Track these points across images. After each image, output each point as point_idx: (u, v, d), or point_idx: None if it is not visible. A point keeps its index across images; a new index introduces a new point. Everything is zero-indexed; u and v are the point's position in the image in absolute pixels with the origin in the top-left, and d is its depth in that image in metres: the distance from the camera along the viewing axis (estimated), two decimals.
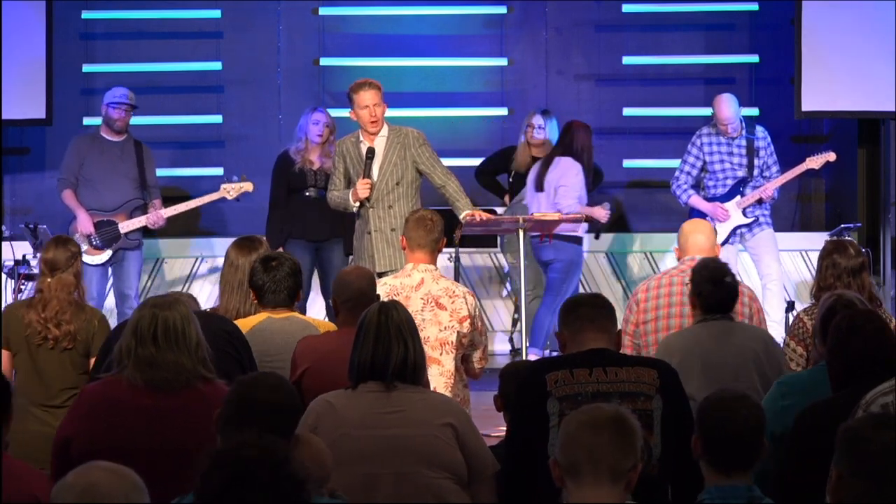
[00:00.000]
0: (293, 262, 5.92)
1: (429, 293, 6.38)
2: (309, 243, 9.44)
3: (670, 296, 6.31)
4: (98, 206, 9.36)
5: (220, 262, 6.34)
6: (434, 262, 6.54)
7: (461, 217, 7.86)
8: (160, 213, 9.40)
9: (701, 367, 5.50)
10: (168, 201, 9.65)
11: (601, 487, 3.22)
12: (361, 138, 7.88)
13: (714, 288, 5.63)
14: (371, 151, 7.80)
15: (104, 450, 4.14)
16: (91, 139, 9.53)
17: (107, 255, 9.35)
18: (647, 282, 6.49)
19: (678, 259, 6.54)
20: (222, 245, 10.24)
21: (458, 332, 6.34)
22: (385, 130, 7.85)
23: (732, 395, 3.86)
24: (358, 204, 7.77)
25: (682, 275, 6.32)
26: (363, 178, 7.74)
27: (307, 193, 9.36)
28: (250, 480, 2.96)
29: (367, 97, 7.82)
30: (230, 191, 9.59)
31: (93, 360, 6.07)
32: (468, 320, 6.37)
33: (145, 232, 9.57)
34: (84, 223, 9.28)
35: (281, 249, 9.23)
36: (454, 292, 6.41)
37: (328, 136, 9.42)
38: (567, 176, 9.39)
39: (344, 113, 11.00)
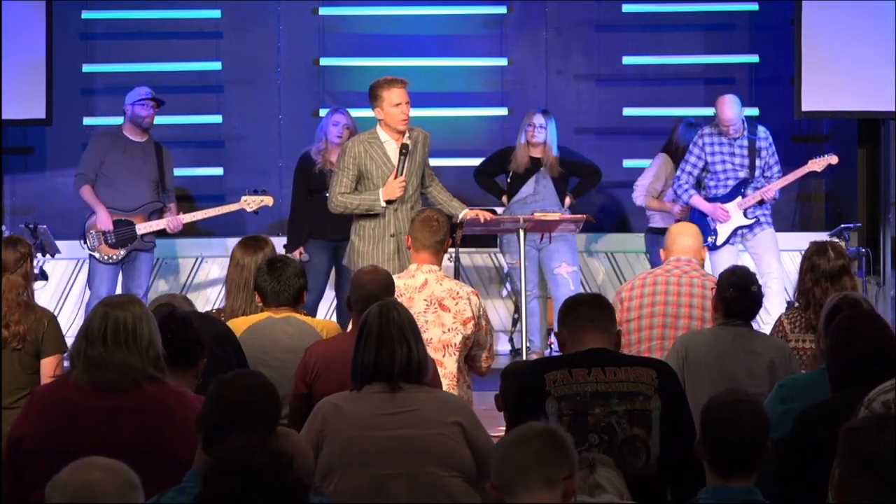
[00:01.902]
0: (297, 265, 5.96)
1: (432, 295, 6.38)
2: (328, 243, 9.43)
3: (654, 295, 6.34)
4: (116, 206, 9.30)
5: (221, 262, 6.36)
6: (439, 262, 6.53)
7: (461, 216, 7.84)
8: (179, 219, 9.36)
9: (716, 369, 5.57)
10: None
11: (534, 495, 3.24)
12: (386, 137, 7.70)
13: (739, 295, 5.69)
14: (406, 147, 7.65)
15: (53, 450, 4.13)
16: (113, 137, 9.45)
17: (121, 254, 9.32)
18: (631, 281, 6.54)
19: (664, 260, 6.58)
20: (223, 245, 10.28)
21: (462, 334, 6.33)
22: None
23: (735, 398, 3.82)
24: (384, 204, 7.64)
25: (666, 274, 6.40)
26: (397, 176, 7.62)
27: (327, 194, 9.35)
28: (257, 487, 2.95)
29: (398, 94, 7.66)
30: (250, 203, 9.54)
31: (44, 360, 6.06)
32: (472, 322, 6.36)
33: (157, 233, 9.53)
34: (104, 220, 9.23)
35: (301, 249, 9.31)
36: (458, 293, 6.39)
37: (348, 137, 9.36)
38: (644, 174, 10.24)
39: None
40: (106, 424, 4.19)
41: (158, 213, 9.40)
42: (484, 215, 7.93)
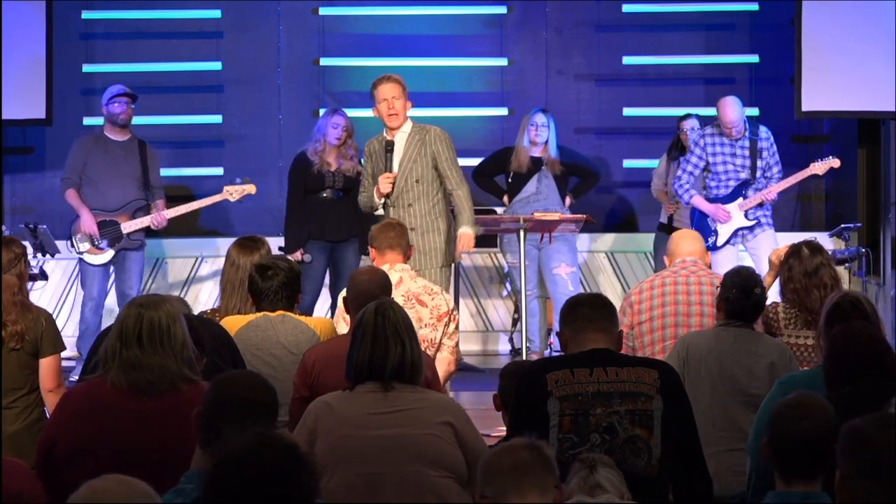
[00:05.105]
0: (289, 269, 5.97)
1: (409, 291, 6.46)
2: (326, 243, 9.39)
3: (664, 296, 6.39)
4: (101, 206, 9.35)
5: (222, 261, 6.36)
6: (406, 263, 6.59)
7: (458, 232, 7.83)
8: (163, 215, 9.39)
9: (716, 370, 5.58)
10: (168, 201, 9.63)
11: (529, 496, 3.26)
12: (385, 135, 7.86)
13: (741, 296, 5.70)
14: (390, 144, 7.76)
15: (89, 452, 4.14)
16: (95, 139, 9.51)
17: (109, 255, 9.34)
18: (640, 284, 6.59)
19: (668, 265, 6.63)
20: (223, 245, 10.27)
21: (438, 329, 6.43)
22: (408, 127, 7.81)
23: (799, 403, 3.77)
24: (383, 201, 7.75)
25: (674, 275, 6.45)
26: (385, 172, 7.73)
27: (324, 195, 9.33)
28: (270, 473, 2.94)
29: (385, 91, 7.77)
30: (233, 193, 9.57)
31: (43, 360, 6.01)
32: (447, 316, 6.46)
33: (146, 231, 9.55)
34: (87, 223, 9.27)
35: (302, 250, 9.23)
36: (433, 290, 6.54)
37: (346, 138, 9.37)
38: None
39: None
40: (143, 426, 4.21)
41: (144, 211, 9.41)
42: (463, 249, 7.89)
